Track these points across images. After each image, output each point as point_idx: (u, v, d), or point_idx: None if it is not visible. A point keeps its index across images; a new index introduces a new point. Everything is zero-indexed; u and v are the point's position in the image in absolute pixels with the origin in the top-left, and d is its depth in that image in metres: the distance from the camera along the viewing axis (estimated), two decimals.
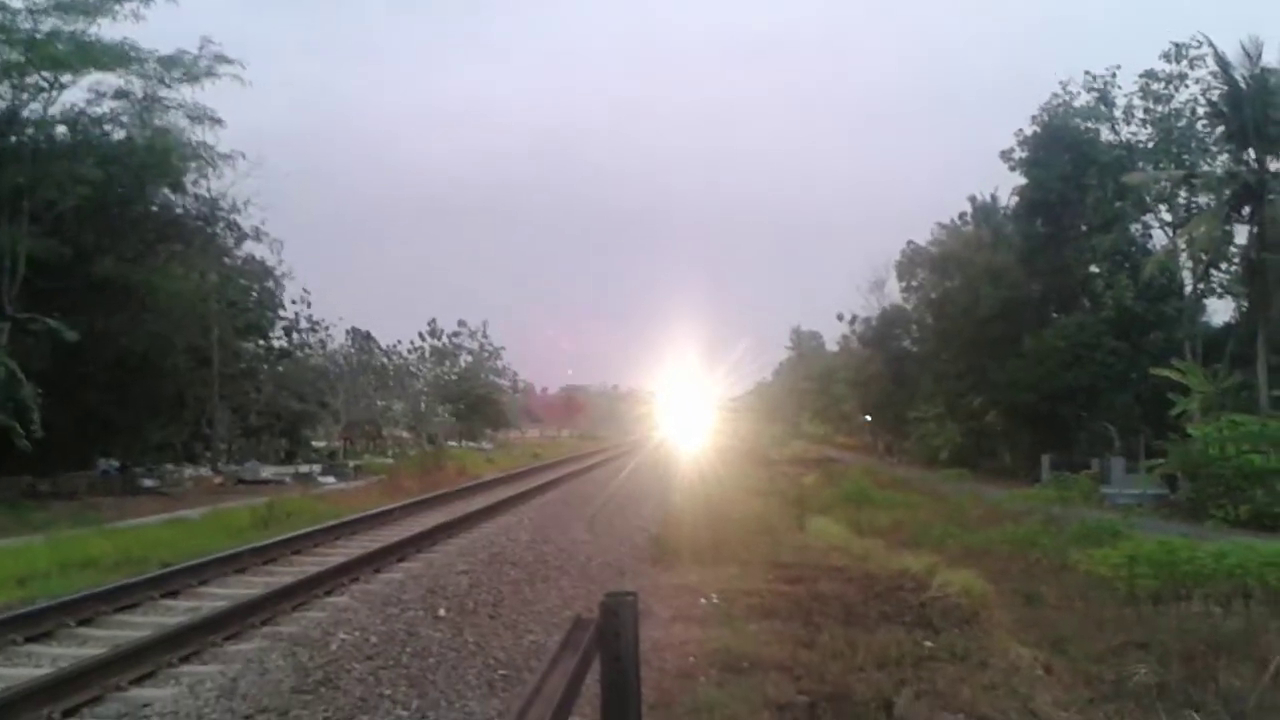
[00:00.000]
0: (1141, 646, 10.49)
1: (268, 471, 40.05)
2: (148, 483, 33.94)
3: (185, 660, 9.10)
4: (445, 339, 70.97)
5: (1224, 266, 42.07)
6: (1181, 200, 43.41)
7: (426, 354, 70.06)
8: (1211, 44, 37.93)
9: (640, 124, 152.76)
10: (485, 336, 72.97)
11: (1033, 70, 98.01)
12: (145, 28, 32.53)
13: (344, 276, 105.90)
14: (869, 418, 75.77)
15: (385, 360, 67.32)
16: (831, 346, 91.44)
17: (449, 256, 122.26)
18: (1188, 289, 42.49)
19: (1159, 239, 45.58)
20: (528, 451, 68.89)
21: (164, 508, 26.52)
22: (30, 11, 30.41)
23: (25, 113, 32.32)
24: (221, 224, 42.54)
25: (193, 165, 36.94)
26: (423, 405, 67.59)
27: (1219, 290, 43.16)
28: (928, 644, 10.19)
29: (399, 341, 68.45)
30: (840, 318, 75.06)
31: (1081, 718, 8.33)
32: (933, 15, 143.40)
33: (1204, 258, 40.42)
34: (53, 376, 29.68)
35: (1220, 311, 44.20)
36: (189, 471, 38.17)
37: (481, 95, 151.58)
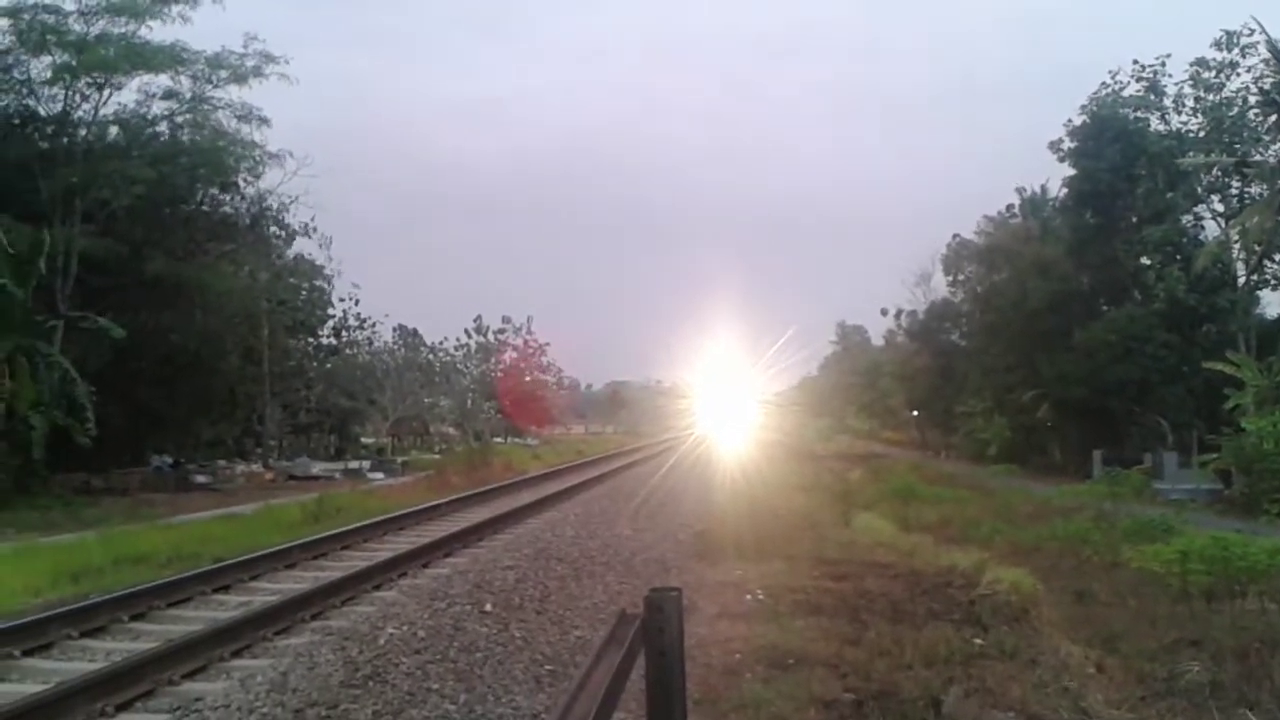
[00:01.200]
0: (1194, 644, 10.35)
1: (318, 467, 40.47)
2: (200, 479, 34.39)
3: (236, 654, 9.22)
4: (491, 335, 71.33)
5: (1278, 258, 41.32)
6: (1234, 190, 42.70)
7: (472, 350, 70.45)
8: (1264, 30, 37.28)
9: (676, 120, 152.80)
10: (530, 333, 73.24)
11: (1079, 59, 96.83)
12: (189, 27, 33.06)
13: (390, 274, 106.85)
14: (915, 413, 75.17)
15: (431, 357, 67.80)
16: (877, 341, 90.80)
17: (492, 253, 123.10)
18: (1241, 280, 41.75)
19: (1211, 230, 44.90)
20: (572, 448, 69.07)
21: (216, 503, 26.88)
22: (82, 14, 30.96)
23: (77, 114, 32.90)
24: (270, 222, 43.07)
25: (242, 164, 37.43)
26: (469, 402, 67.99)
27: (1273, 282, 42.38)
28: (977, 641, 10.10)
29: (445, 338, 68.96)
30: (885, 312, 74.46)
31: (1134, 716, 8.23)
32: (972, 4, 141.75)
33: (1257, 249, 39.71)
34: (107, 374, 30.22)
35: (1275, 303, 43.43)
36: (241, 467, 38.67)
37: (520, 92, 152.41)
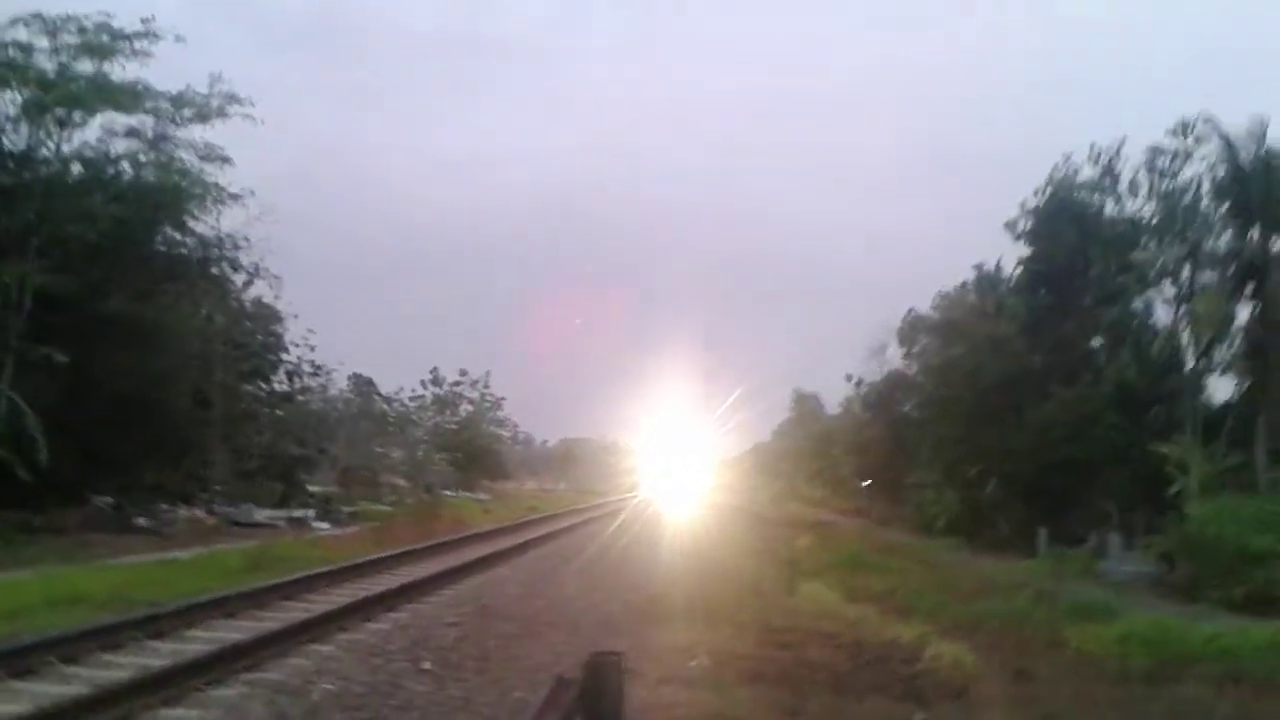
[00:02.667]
0: None
1: (262, 515, 39.84)
2: (141, 522, 33.73)
3: (166, 704, 9.03)
4: (447, 388, 71.03)
5: (1226, 344, 42.08)
6: (1185, 276, 43.53)
7: (428, 402, 70.08)
8: (1216, 124, 38.28)
9: (642, 179, 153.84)
10: (487, 386, 73.03)
11: (1038, 139, 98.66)
12: (163, 75, 33.12)
13: (347, 321, 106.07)
14: (866, 482, 75.38)
15: (385, 407, 67.31)
16: (832, 409, 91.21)
17: (451, 304, 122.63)
18: (1189, 365, 42.44)
19: (1162, 315, 45.64)
20: (524, 503, 68.63)
21: (156, 547, 26.38)
22: (51, 51, 30.92)
23: (40, 151, 32.70)
24: (226, 263, 42.78)
25: (203, 204, 37.26)
26: (421, 453, 67.47)
27: (1220, 368, 43.10)
28: (917, 716, 10.10)
29: (400, 388, 68.55)
30: (849, 378, 74.84)
31: None
32: (937, 79, 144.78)
33: (1207, 335, 40.40)
34: (55, 412, 29.72)
35: (1221, 389, 44.09)
36: (183, 512, 37.95)
37: (484, 145, 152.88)
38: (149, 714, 8.70)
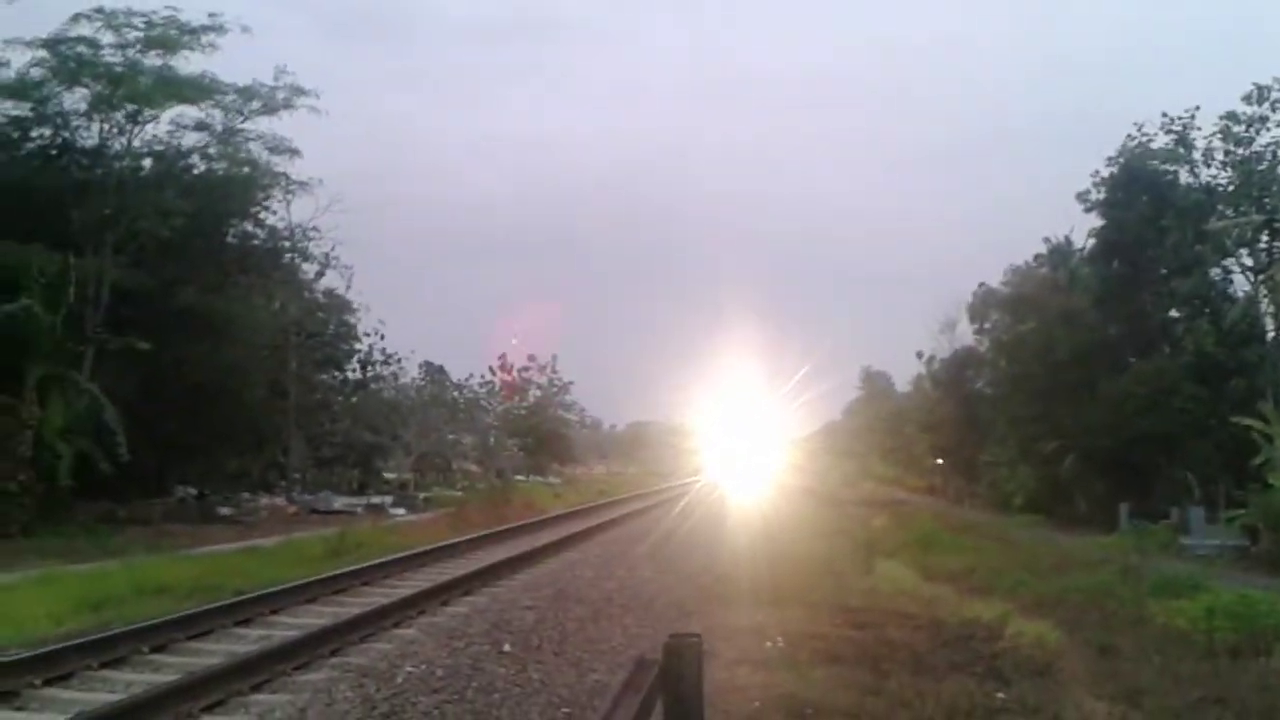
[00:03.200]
0: (1220, 702, 10.21)
1: (340, 502, 40.53)
2: (223, 511, 34.48)
3: (255, 689, 9.21)
4: (515, 373, 71.47)
5: None
6: (1263, 245, 42.41)
7: (496, 388, 70.58)
8: None
9: (702, 162, 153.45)
10: (554, 371, 73.32)
11: (1106, 109, 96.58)
12: (225, 64, 33.58)
13: (417, 309, 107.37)
14: (940, 460, 74.68)
15: (456, 394, 67.94)
16: (902, 387, 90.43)
17: (518, 291, 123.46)
18: (1270, 335, 41.39)
19: (1240, 283, 44.55)
20: (594, 487, 68.95)
21: (238, 536, 26.96)
22: (118, 46, 31.49)
23: (112, 146, 33.39)
24: (297, 254, 43.46)
25: (272, 195, 37.87)
26: (492, 439, 68.04)
27: None
28: (999, 695, 10.00)
29: (470, 375, 69.13)
30: (920, 355, 74.14)
31: None
32: (996, 54, 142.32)
33: None
34: (134, 404, 30.44)
35: None
36: (264, 500, 38.77)
37: (552, 133, 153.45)
38: (239, 699, 8.88)
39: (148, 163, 35.12)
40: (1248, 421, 33.94)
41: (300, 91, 35.11)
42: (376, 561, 18.49)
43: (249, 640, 11.62)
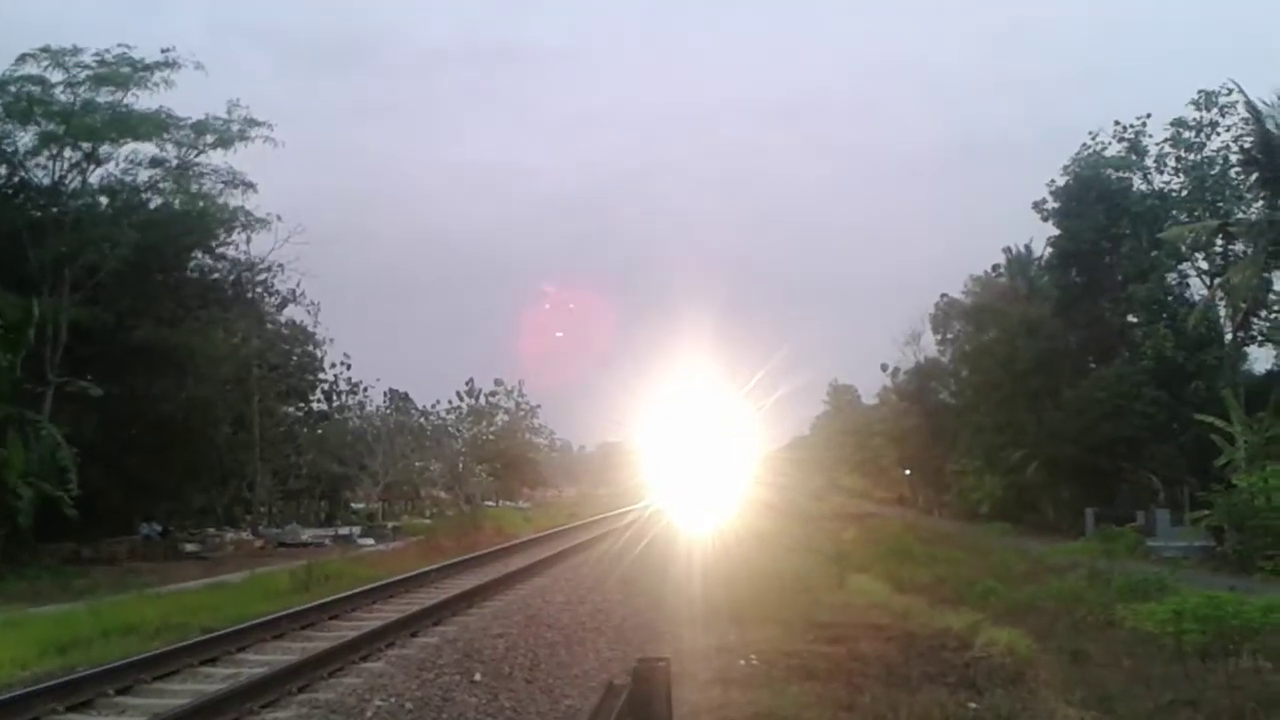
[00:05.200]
0: (1190, 704, 10.29)
1: (307, 534, 40.21)
2: (189, 547, 34.15)
3: None
4: (482, 398, 71.19)
5: (1264, 314, 41.58)
6: (1218, 249, 43.04)
7: (464, 414, 70.27)
8: (1242, 91, 37.86)
9: (669, 182, 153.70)
10: (522, 395, 73.10)
11: (1067, 123, 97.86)
12: (185, 101, 33.34)
13: (382, 338, 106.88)
14: (908, 472, 75.08)
15: (423, 421, 67.58)
16: (869, 400, 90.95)
17: (482, 315, 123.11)
18: (1228, 337, 41.95)
19: (1196, 287, 45.19)
20: (564, 510, 68.69)
21: (205, 572, 26.69)
22: (68, 85, 31.24)
23: (68, 185, 33.09)
24: (259, 288, 43.19)
25: (230, 229, 37.62)
26: (460, 465, 67.70)
27: (1260, 338, 42.58)
28: (972, 705, 10.04)
29: (437, 402, 68.77)
30: (884, 368, 74.61)
31: None
32: (959, 69, 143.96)
33: (1243, 306, 39.91)
34: (97, 443, 30.08)
35: (1261, 360, 43.58)
36: (230, 535, 38.37)
37: (503, 157, 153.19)
38: None
39: (104, 200, 34.84)
40: (1209, 419, 34.35)
41: (254, 123, 34.91)
42: (345, 594, 18.30)
43: (216, 679, 11.47)
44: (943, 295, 64.40)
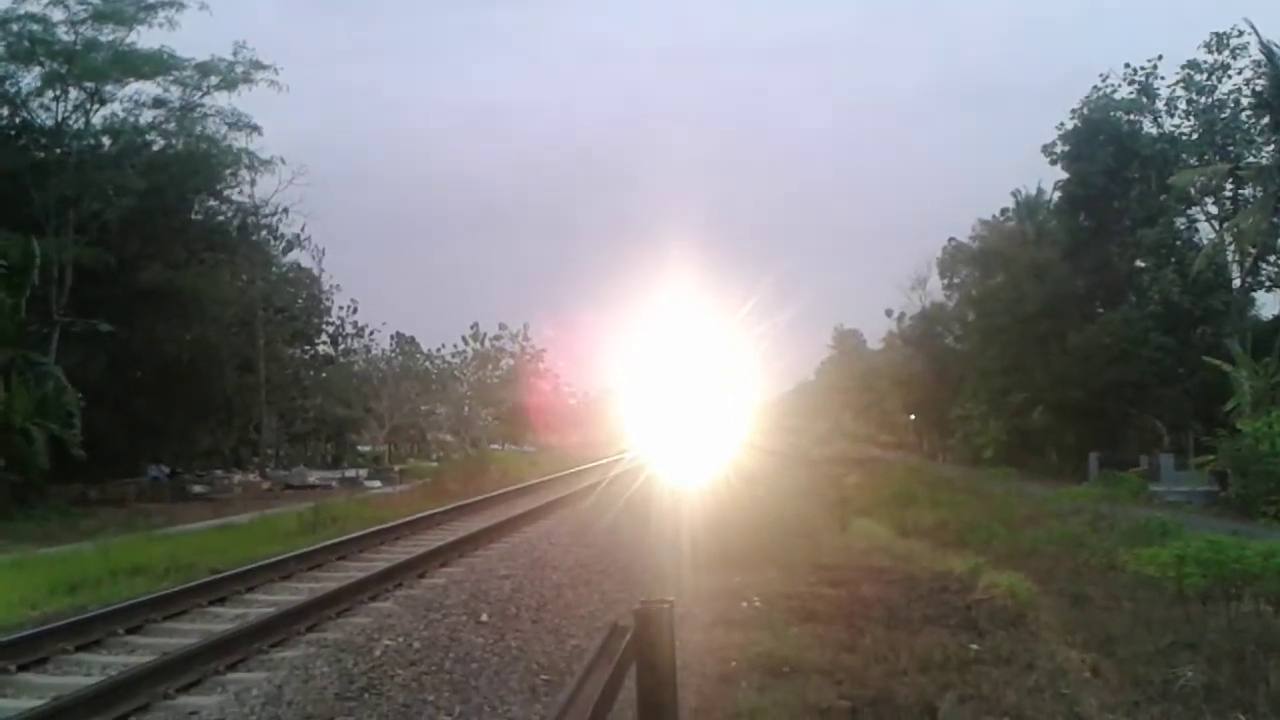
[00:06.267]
0: (1190, 647, 10.36)
1: (314, 476, 40.46)
2: (196, 488, 34.40)
3: (232, 668, 9.20)
4: (488, 342, 71.36)
5: (1272, 259, 41.40)
6: (1227, 193, 42.74)
7: (469, 358, 70.47)
8: (1255, 32, 37.34)
9: (670, 127, 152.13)
10: (527, 339, 73.27)
11: (1077, 64, 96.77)
12: (184, 38, 33.12)
13: (388, 281, 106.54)
14: (912, 416, 75.23)
15: (428, 365, 67.81)
16: (874, 345, 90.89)
17: (490, 259, 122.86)
18: (1235, 282, 41.79)
19: (1205, 232, 44.95)
20: (570, 455, 69.01)
21: (212, 513, 26.86)
22: (70, 23, 31.00)
23: (71, 125, 32.95)
24: (265, 231, 43.17)
25: (234, 172, 37.54)
26: (466, 409, 67.98)
27: (1267, 283, 42.43)
28: (973, 647, 10.13)
29: (442, 346, 68.98)
30: (889, 313, 74.50)
31: None
32: (967, 9, 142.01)
33: (1252, 251, 39.72)
34: (103, 384, 30.24)
35: (1269, 305, 43.44)
36: (237, 477, 38.66)
37: (519, 100, 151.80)
38: (216, 678, 8.87)
39: (106, 141, 34.71)
40: (1216, 362, 34.31)
41: (259, 66, 34.78)
42: (352, 535, 18.44)
43: (225, 619, 11.59)
44: (950, 239, 64.18)
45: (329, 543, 17.37)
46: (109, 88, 32.91)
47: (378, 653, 9.16)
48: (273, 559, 15.24)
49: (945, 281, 65.57)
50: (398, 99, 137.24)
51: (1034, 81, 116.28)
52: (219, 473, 38.46)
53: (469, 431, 65.68)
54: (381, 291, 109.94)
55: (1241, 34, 40.36)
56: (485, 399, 68.18)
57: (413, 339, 66.66)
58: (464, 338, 69.76)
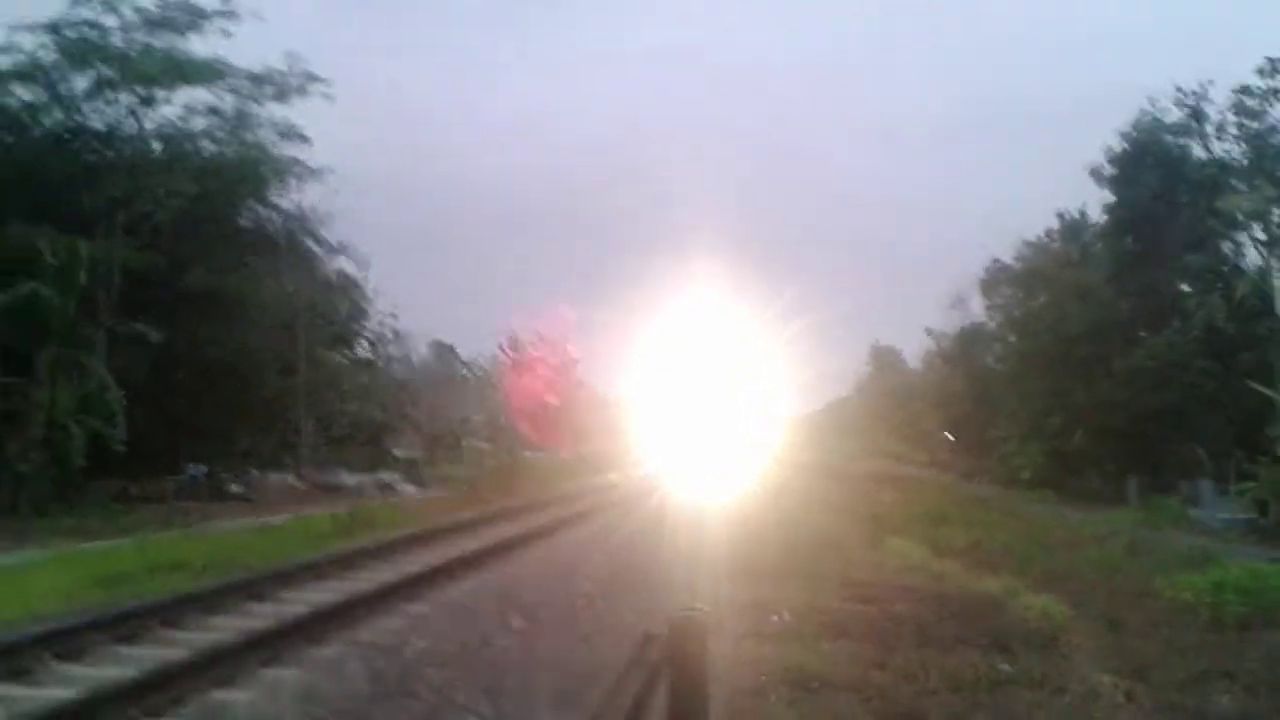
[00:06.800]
0: (1227, 675, 10.23)
1: (351, 479, 40.71)
2: (234, 488, 34.69)
3: (266, 664, 9.29)
4: (525, 349, 71.43)
5: None
6: (1276, 219, 42.15)
7: (508, 366, 70.59)
8: None
9: (705, 141, 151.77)
10: (564, 349, 73.27)
11: (1125, 81, 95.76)
12: (230, 45, 33.59)
13: (425, 289, 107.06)
14: (950, 436, 74.69)
15: (466, 372, 68.08)
16: (911, 363, 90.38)
17: (530, 268, 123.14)
18: None
19: (1253, 258, 44.35)
20: (604, 464, 68.98)
21: (250, 513, 27.13)
22: (122, 29, 31.52)
23: (123, 129, 33.45)
24: (310, 238, 43.61)
25: (283, 180, 37.97)
26: (501, 417, 68.12)
27: None
28: (1004, 668, 10.05)
29: (479, 354, 69.26)
30: (929, 332, 74.16)
31: None
32: (1014, 25, 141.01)
33: None
34: (146, 384, 30.62)
35: None
36: (274, 478, 38.93)
37: (554, 107, 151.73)
38: (249, 675, 8.96)
39: (158, 145, 35.23)
40: (1260, 388, 33.89)
41: (314, 79, 35.28)
42: (386, 539, 18.58)
43: (261, 616, 11.70)
44: (994, 259, 63.74)
45: (363, 545, 17.52)
46: (160, 93, 33.40)
47: (409, 654, 9.24)
48: (308, 559, 15.40)
49: (987, 302, 65.15)
50: (430, 107, 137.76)
51: (1080, 103, 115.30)
52: (256, 473, 38.77)
53: (504, 439, 65.81)
54: (419, 300, 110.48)
55: None
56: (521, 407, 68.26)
57: (451, 347, 67.02)
58: (501, 346, 69.90)
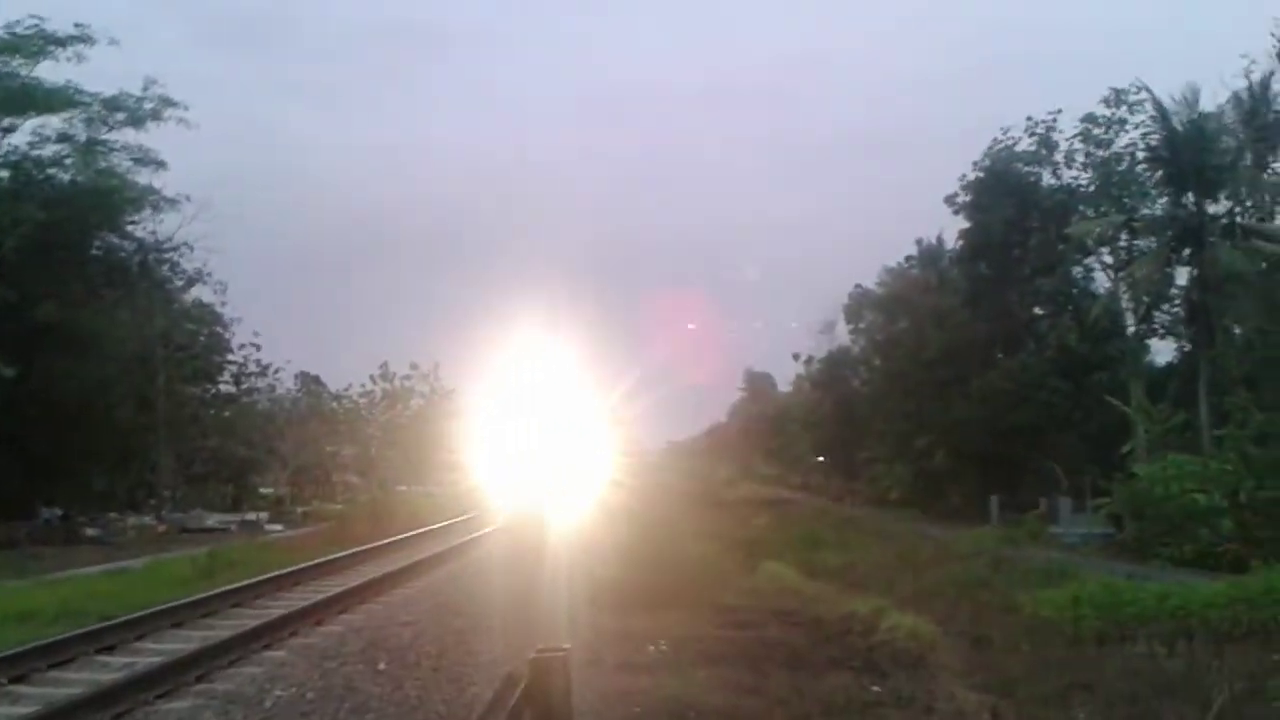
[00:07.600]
0: (1086, 688, 10.54)
1: (213, 519, 39.42)
2: (90, 532, 33.32)
3: (116, 719, 8.84)
4: (397, 381, 70.31)
5: (1165, 307, 42.83)
6: (1123, 243, 44.13)
7: (377, 397, 69.35)
8: (1149, 90, 38.83)
9: (580, 172, 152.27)
10: (437, 379, 72.36)
11: (981, 113, 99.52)
12: (88, 69, 32.44)
13: (292, 319, 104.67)
14: (821, 459, 76.01)
15: (335, 404, 66.62)
16: (784, 388, 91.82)
17: (397, 297, 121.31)
18: (1130, 330, 43.12)
19: (1101, 280, 46.33)
20: (477, 496, 68.19)
21: (106, 558, 26.03)
22: None
23: None
24: (166, 267, 42.22)
25: (137, 209, 36.73)
26: (373, 450, 66.86)
27: (1161, 331, 43.89)
28: (874, 689, 10.18)
29: (349, 385, 67.84)
30: (796, 357, 75.48)
31: None
32: (877, 61, 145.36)
33: (1145, 299, 41.09)
34: None
35: (1162, 352, 44.92)
36: (132, 520, 37.47)
37: (417, 136, 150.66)
38: None
39: (4, 174, 33.76)
40: (1117, 403, 35.30)
41: (169, 103, 34.26)
42: (249, 581, 17.93)
43: (112, 668, 11.15)
44: (857, 285, 65.27)
45: (223, 589, 16.84)
46: (8, 120, 32.07)
47: (269, 704, 8.89)
48: (165, 605, 14.73)
49: (851, 326, 66.67)
50: (301, 136, 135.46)
51: (940, 132, 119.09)
52: (113, 516, 37.25)
53: (376, 473, 64.55)
54: (288, 331, 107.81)
55: (1138, 90, 41.82)
56: (393, 440, 67.10)
57: (318, 378, 65.53)
58: (372, 377, 68.68)
